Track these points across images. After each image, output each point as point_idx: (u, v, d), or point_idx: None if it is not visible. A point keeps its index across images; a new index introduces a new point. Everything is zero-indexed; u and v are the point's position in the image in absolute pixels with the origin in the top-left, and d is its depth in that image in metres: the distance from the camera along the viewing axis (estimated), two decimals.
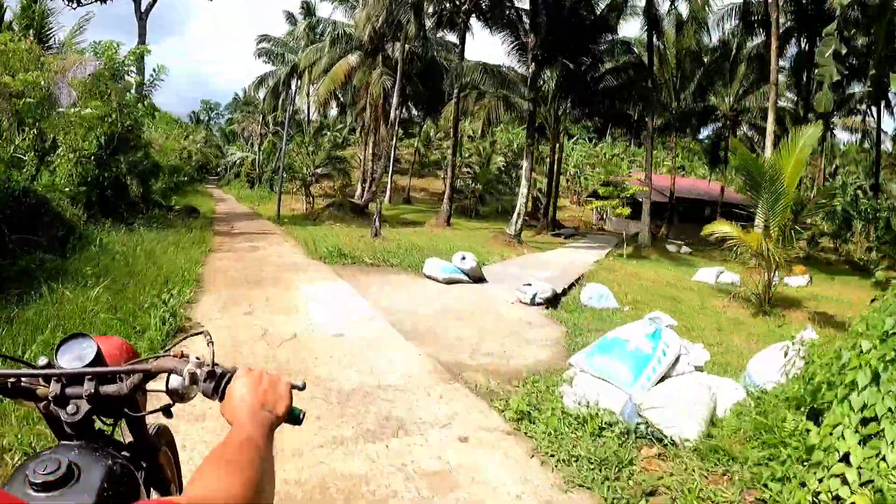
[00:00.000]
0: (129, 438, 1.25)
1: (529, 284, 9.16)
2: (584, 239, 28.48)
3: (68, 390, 0.99)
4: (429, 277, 10.72)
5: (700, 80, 33.04)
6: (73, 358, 1.02)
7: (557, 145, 28.83)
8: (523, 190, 21.00)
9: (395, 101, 27.55)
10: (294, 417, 0.99)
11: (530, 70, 20.27)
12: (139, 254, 9.72)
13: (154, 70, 16.11)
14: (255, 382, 0.96)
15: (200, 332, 1.15)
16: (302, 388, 1.04)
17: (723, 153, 38.93)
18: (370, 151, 33.69)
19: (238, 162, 49.22)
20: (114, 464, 0.96)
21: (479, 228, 27.17)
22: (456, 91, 25.80)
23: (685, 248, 26.81)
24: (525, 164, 21.21)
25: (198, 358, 1.02)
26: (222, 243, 14.12)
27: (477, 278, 10.88)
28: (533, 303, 8.87)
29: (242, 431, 0.84)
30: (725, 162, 40.57)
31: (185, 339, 1.28)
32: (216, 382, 1.00)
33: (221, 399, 0.97)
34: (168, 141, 31.31)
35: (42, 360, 1.00)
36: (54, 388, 0.98)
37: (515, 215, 20.86)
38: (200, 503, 0.67)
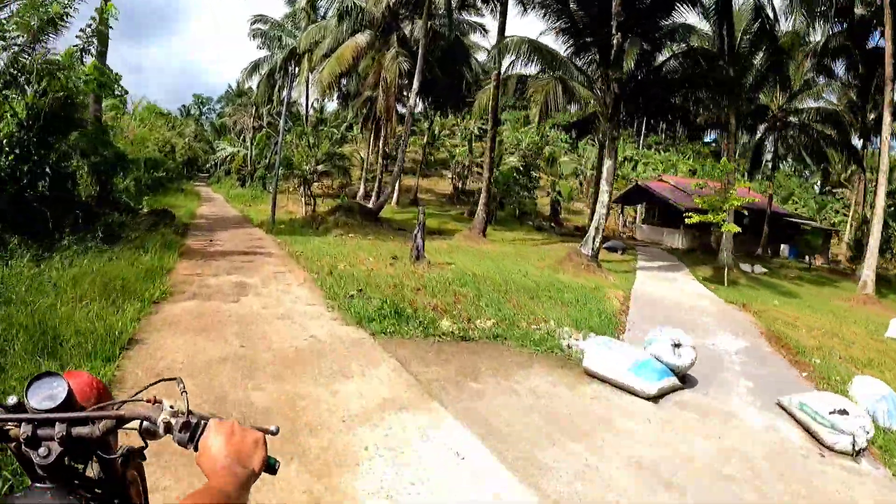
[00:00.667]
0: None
1: (844, 412, 4.35)
2: (640, 254, 23.69)
3: (40, 432, 0.94)
4: (601, 379, 5.76)
5: (756, 75, 28.42)
6: (44, 398, 0.97)
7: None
8: (603, 199, 16.14)
9: (415, 84, 22.63)
10: (269, 467, 0.97)
11: (615, 40, 15.40)
12: None
13: (96, 15, 10.68)
14: (229, 434, 0.93)
15: (173, 379, 1.11)
16: (275, 433, 1.03)
17: (770, 159, 34.45)
18: (379, 146, 28.75)
19: (228, 158, 44.00)
20: None
21: (522, 241, 22.38)
22: (496, 74, 20.91)
23: (758, 268, 22.18)
24: (607, 163, 16.37)
25: (171, 406, 0.99)
26: (188, 276, 9.01)
27: (683, 376, 6.05)
28: (857, 453, 4.08)
29: (216, 485, 0.83)
30: (774, 168, 36.16)
31: (157, 383, 1.19)
32: (191, 433, 0.96)
33: (196, 449, 0.94)
34: (144, 129, 26.10)
35: (12, 400, 0.96)
36: (25, 430, 0.93)
37: (593, 230, 16.01)
38: None
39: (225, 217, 22.33)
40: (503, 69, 21.12)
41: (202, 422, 0.98)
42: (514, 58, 19.73)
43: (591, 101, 23.22)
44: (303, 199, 23.52)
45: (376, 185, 27.80)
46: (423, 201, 40.22)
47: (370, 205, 25.16)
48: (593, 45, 17.09)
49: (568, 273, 14.04)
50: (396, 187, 32.55)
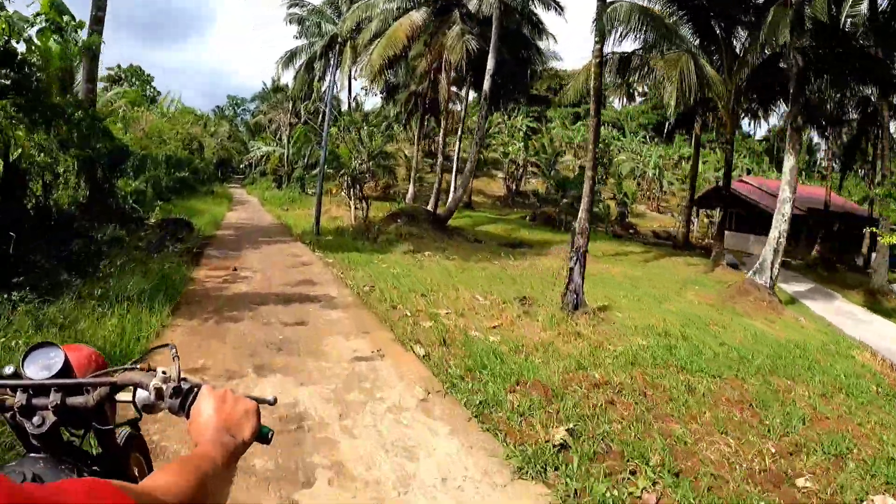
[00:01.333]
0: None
1: None
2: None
3: (34, 401, 0.91)
4: None
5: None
6: (41, 367, 0.94)
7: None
8: (785, 210, 11.17)
9: (489, 63, 18.02)
10: (262, 436, 0.92)
11: None
12: None
13: None
14: (220, 402, 0.89)
15: (165, 346, 1.07)
16: (272, 404, 0.98)
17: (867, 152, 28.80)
18: (440, 140, 24.19)
19: (263, 158, 40.04)
20: (79, 477, 0.90)
21: (625, 255, 17.52)
22: (596, 49, 16.07)
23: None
24: (789, 161, 11.42)
25: (164, 372, 0.95)
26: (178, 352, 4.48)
27: None
28: None
29: (204, 451, 0.81)
30: (874, 164, 30.44)
31: (152, 350, 1.19)
32: (182, 399, 0.92)
33: (188, 416, 0.90)
34: (162, 120, 21.97)
35: (8, 369, 0.93)
36: (20, 398, 0.90)
37: (770, 253, 11.14)
38: (147, 497, 0.63)
39: (258, 226, 18.03)
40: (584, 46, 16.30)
41: (194, 388, 0.93)
42: (617, 29, 14.95)
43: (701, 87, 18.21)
44: (351, 202, 19.08)
45: (436, 185, 23.22)
46: (476, 204, 35.60)
47: (432, 208, 20.59)
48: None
49: (756, 317, 9.27)
50: (458, 187, 27.93)
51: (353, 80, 34.10)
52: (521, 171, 42.83)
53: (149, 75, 51.28)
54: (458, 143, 28.30)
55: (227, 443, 0.84)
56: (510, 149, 40.34)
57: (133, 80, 47.08)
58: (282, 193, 32.57)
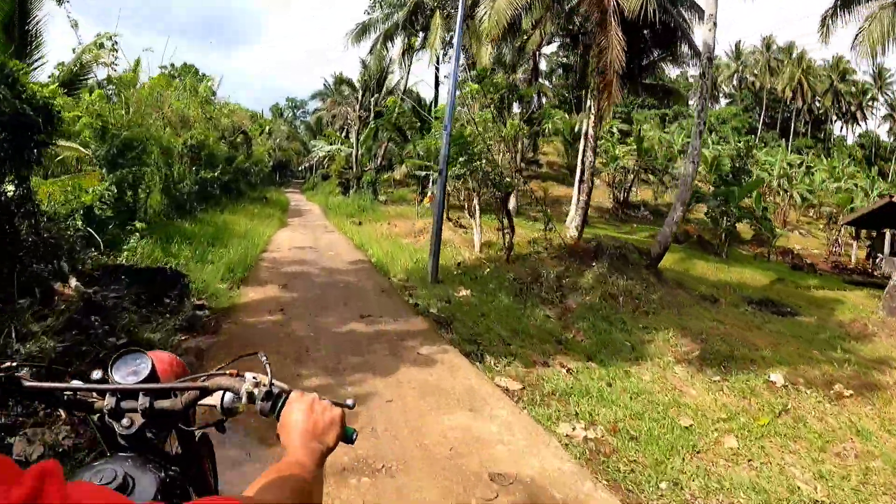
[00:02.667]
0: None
1: None
2: None
3: (123, 404, 0.93)
4: None
5: None
6: (128, 373, 0.98)
7: None
8: None
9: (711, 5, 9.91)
10: (347, 438, 0.95)
11: None
12: None
13: None
14: (309, 410, 0.92)
15: (255, 353, 1.08)
16: (352, 408, 1.00)
17: None
18: (589, 129, 16.09)
19: (326, 157, 33.00)
20: (165, 475, 0.91)
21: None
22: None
23: None
24: None
25: (254, 377, 0.96)
26: None
27: None
28: None
29: (294, 458, 0.84)
30: None
31: (239, 358, 1.15)
32: (273, 402, 0.94)
33: (278, 418, 0.92)
34: (187, 95, 14.67)
35: (96, 374, 0.96)
36: (109, 401, 0.93)
37: None
38: None
39: (330, 266, 10.32)
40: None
41: (284, 393, 0.94)
42: None
43: None
44: (504, 227, 11.22)
45: (579, 198, 15.26)
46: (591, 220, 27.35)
47: (577, 228, 12.50)
48: None
49: None
50: (574, 203, 19.89)
51: (440, 62, 26.45)
52: (631, 178, 33.97)
53: (204, 75, 45.40)
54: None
55: (316, 449, 0.86)
56: (618, 152, 31.67)
57: (186, 77, 41.24)
58: (349, 201, 25.27)
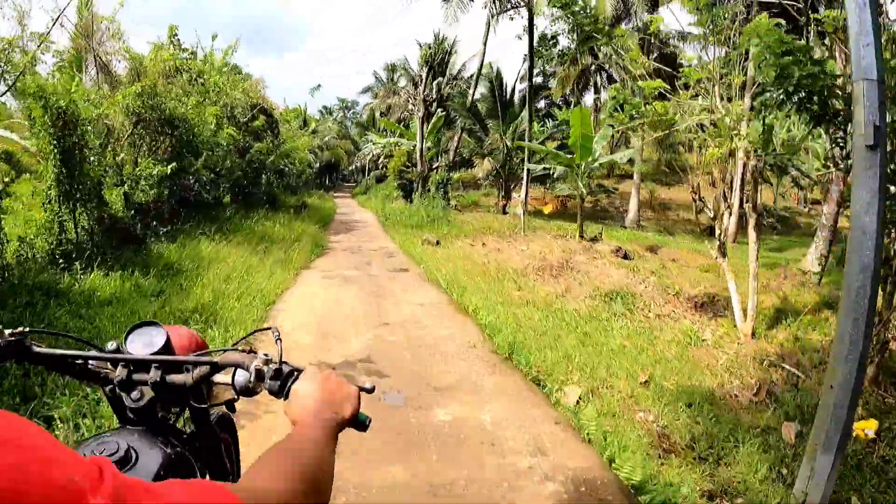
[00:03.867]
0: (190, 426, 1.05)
1: None
2: None
3: (134, 376, 0.89)
4: None
5: None
6: (143, 345, 0.93)
7: None
8: None
9: None
10: (360, 423, 0.83)
11: None
12: None
13: None
14: (324, 381, 0.82)
15: (269, 328, 1.01)
16: (371, 391, 0.90)
17: None
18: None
19: (382, 154, 26.56)
20: (172, 452, 0.87)
21: None
22: None
23: None
24: None
25: (265, 354, 0.87)
26: None
27: None
28: None
29: (304, 430, 0.73)
30: None
31: (254, 332, 1.16)
32: (282, 381, 0.84)
33: (286, 398, 0.82)
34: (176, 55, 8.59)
35: (111, 345, 0.91)
36: (121, 372, 0.89)
37: None
38: (252, 492, 0.56)
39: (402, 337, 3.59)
40: None
41: (295, 371, 0.85)
42: None
43: None
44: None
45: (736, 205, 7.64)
46: (674, 224, 19.68)
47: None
48: None
49: None
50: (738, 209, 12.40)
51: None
52: (750, 175, 25.28)
53: (247, 74, 39.95)
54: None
55: (329, 419, 0.76)
56: (736, 143, 23.32)
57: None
58: (413, 208, 18.58)
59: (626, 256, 8.71)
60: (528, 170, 17.43)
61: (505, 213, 19.66)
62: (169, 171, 6.99)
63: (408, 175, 20.81)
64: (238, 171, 11.33)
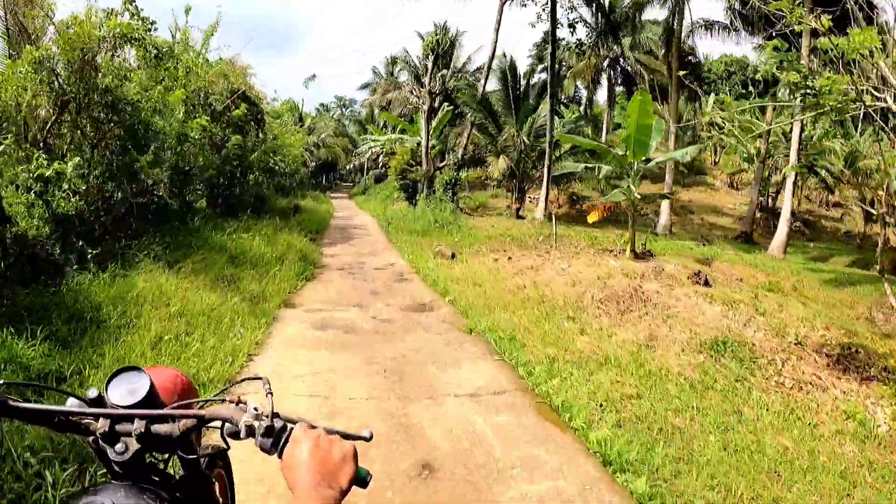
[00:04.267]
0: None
1: None
2: None
3: (118, 427, 0.84)
4: None
5: None
6: (126, 392, 0.87)
7: None
8: None
9: None
10: (360, 480, 0.79)
11: None
12: None
13: None
14: (315, 447, 0.77)
15: (258, 378, 0.96)
16: (368, 440, 0.87)
17: None
18: None
19: (382, 153, 24.50)
20: None
21: None
22: None
23: None
24: None
25: (255, 409, 0.83)
26: None
27: None
28: None
29: None
30: None
31: (242, 381, 1.07)
32: (274, 438, 0.80)
33: (280, 456, 0.79)
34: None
35: (92, 392, 0.85)
36: (103, 424, 0.83)
37: None
38: None
39: None
40: None
41: (287, 426, 0.81)
42: None
43: None
44: None
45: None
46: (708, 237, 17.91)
47: None
48: None
49: None
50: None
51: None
52: (782, 178, 23.91)
53: (233, 57, 37.74)
54: None
55: (327, 495, 0.73)
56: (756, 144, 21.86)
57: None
58: (418, 211, 16.55)
59: (706, 283, 6.70)
60: (550, 168, 15.45)
61: (520, 217, 17.65)
62: (54, 172, 4.88)
63: (411, 174, 18.74)
64: (212, 168, 9.22)
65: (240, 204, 10.92)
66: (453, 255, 10.16)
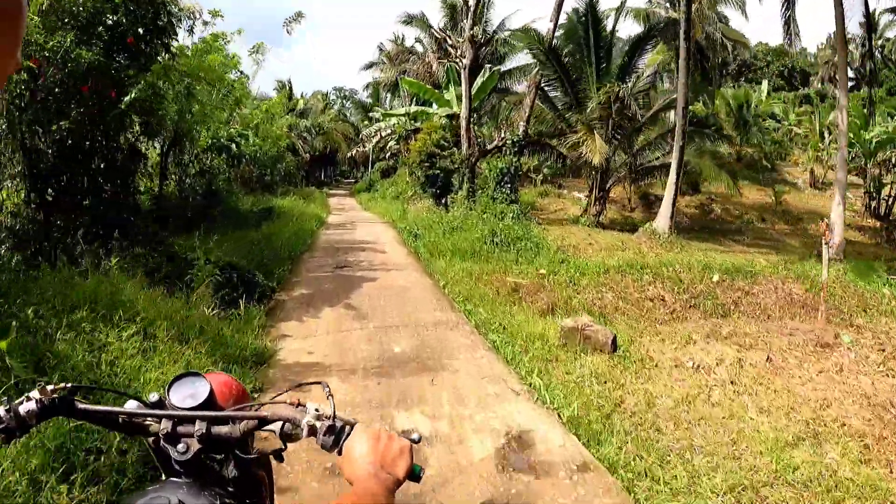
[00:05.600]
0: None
1: None
2: None
3: (179, 428, 0.85)
4: None
5: None
6: (186, 396, 0.88)
7: None
8: None
9: None
10: (414, 475, 0.81)
11: None
12: None
13: None
14: (375, 441, 0.80)
15: (318, 382, 0.96)
16: (418, 442, 0.87)
17: None
18: None
19: (391, 138, 18.26)
20: (219, 503, 0.82)
21: None
22: None
23: None
24: None
25: (317, 409, 0.85)
26: None
27: None
28: None
29: (364, 488, 0.74)
30: None
31: (301, 386, 1.08)
32: (336, 437, 0.83)
33: (339, 453, 0.82)
34: None
35: (153, 397, 0.88)
36: (166, 425, 0.85)
37: None
38: None
39: None
40: None
41: (347, 426, 0.84)
42: None
43: None
44: None
45: None
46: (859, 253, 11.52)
47: None
48: None
49: None
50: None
51: None
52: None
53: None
54: None
55: (385, 479, 0.76)
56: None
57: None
58: (456, 217, 10.28)
59: None
60: (683, 153, 9.23)
61: (601, 225, 11.42)
62: None
63: (443, 161, 12.40)
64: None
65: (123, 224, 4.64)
66: (614, 346, 3.92)
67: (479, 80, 12.81)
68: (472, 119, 11.69)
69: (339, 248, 8.56)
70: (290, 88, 26.97)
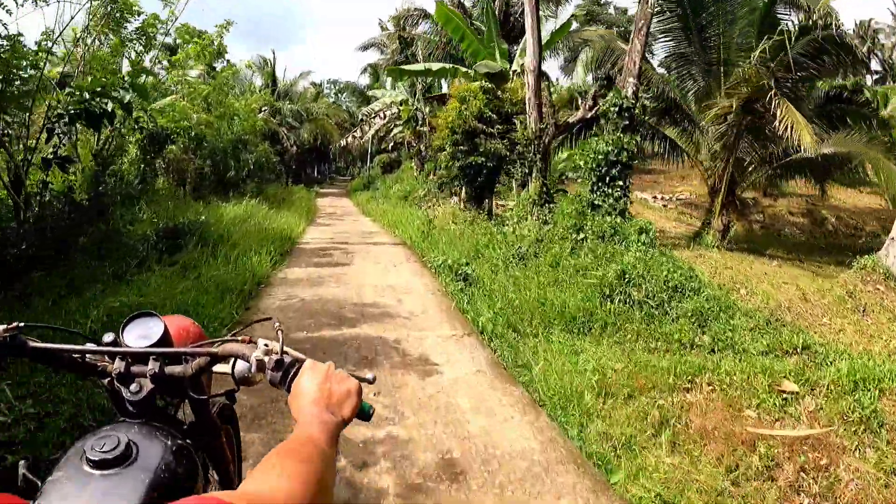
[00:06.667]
0: (190, 418, 1.01)
1: None
2: None
3: (133, 368, 0.82)
4: None
5: None
6: (140, 336, 0.85)
7: None
8: None
9: None
10: (363, 413, 0.80)
11: None
12: None
13: None
14: (323, 379, 0.76)
15: (268, 318, 0.93)
16: (372, 382, 0.85)
17: None
18: None
19: (394, 123, 13.63)
20: (173, 444, 0.80)
21: None
22: None
23: None
24: None
25: (266, 345, 0.82)
26: None
27: None
28: None
29: (305, 432, 0.71)
30: None
31: (252, 323, 1.05)
32: (283, 372, 0.79)
33: (288, 390, 0.78)
34: None
35: (108, 337, 0.84)
36: (119, 365, 0.82)
37: None
38: (256, 497, 0.55)
39: None
40: None
41: (296, 362, 0.80)
42: None
43: None
44: None
45: None
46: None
47: None
48: None
49: None
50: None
51: None
52: None
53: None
54: None
55: (329, 421, 0.73)
56: None
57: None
58: (527, 235, 5.67)
59: None
60: None
61: (729, 247, 6.81)
62: None
63: (492, 143, 7.69)
64: None
65: None
66: None
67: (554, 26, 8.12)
68: (542, 75, 6.99)
69: (322, 344, 3.84)
70: (273, 67, 22.09)
